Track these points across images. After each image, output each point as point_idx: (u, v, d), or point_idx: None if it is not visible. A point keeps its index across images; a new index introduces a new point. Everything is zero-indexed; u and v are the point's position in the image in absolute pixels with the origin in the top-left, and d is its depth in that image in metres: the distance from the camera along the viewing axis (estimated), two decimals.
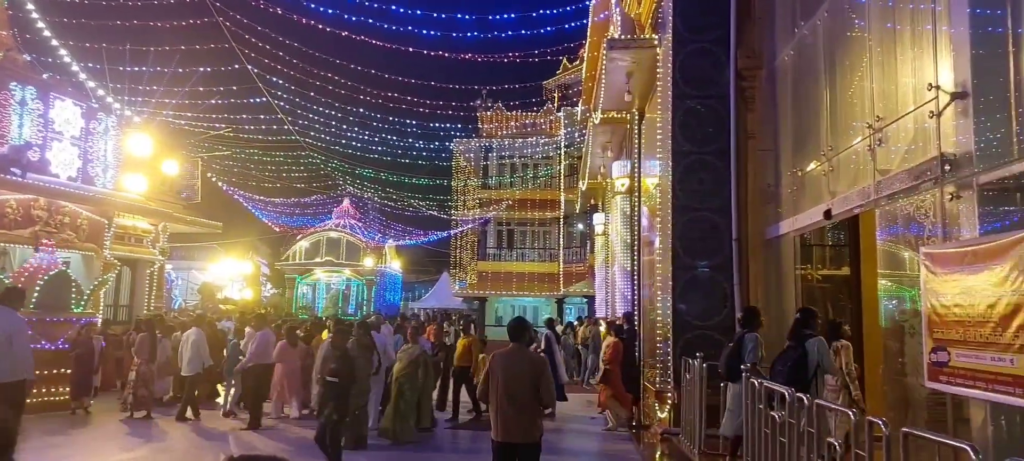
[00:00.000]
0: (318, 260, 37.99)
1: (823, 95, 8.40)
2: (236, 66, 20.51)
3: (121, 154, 15.83)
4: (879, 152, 6.64)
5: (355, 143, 28.57)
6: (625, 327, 12.84)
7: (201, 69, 21.51)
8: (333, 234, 38.18)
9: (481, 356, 12.70)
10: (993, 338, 4.25)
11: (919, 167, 5.79)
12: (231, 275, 35.82)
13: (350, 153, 30.16)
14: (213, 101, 23.41)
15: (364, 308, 34.90)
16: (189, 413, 11.28)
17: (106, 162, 14.99)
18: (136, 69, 19.69)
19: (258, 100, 22.89)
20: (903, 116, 6.24)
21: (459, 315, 25.33)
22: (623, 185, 16.71)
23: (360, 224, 39.36)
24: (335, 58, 29.16)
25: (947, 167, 5.35)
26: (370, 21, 19.62)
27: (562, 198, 33.20)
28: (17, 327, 7.20)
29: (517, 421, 5.18)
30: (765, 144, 10.28)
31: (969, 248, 4.66)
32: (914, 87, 6.10)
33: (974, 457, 2.99)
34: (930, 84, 5.58)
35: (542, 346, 13.37)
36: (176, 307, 29.36)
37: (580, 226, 33.37)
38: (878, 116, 6.69)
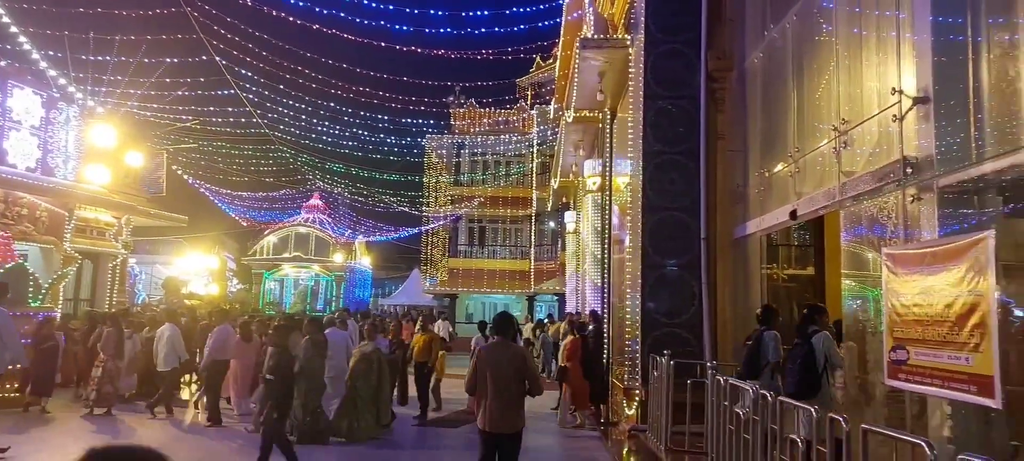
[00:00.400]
0: (286, 255, 37.52)
1: (791, 97, 8.54)
2: (204, 57, 20.13)
3: (83, 145, 15.44)
4: (844, 154, 6.77)
5: (325, 137, 28.27)
6: (590, 326, 12.94)
7: (168, 60, 21.07)
8: (302, 229, 37.73)
9: (441, 353, 12.71)
10: (950, 337, 4.36)
11: (882, 169, 5.91)
12: (197, 270, 35.15)
13: (320, 147, 29.81)
14: (180, 92, 22.95)
15: (333, 304, 34.55)
16: (162, 409, 11.10)
17: (67, 153, 14.61)
18: (100, 58, 19.20)
19: (226, 92, 22.50)
20: (868, 119, 6.37)
21: (420, 312, 25.26)
22: (594, 184, 16.79)
23: (330, 219, 38.95)
24: (305, 51, 28.90)
25: (909, 170, 5.47)
26: (341, 14, 19.45)
27: (534, 196, 33.25)
28: (3, 320, 7.38)
29: (504, 412, 5.49)
30: (734, 145, 10.41)
31: (928, 249, 4.78)
32: (878, 91, 6.24)
33: (930, 453, 3.06)
34: (894, 89, 5.70)
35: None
36: (140, 302, 28.76)
37: (551, 224, 33.47)
38: (844, 119, 6.82)
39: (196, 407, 11.69)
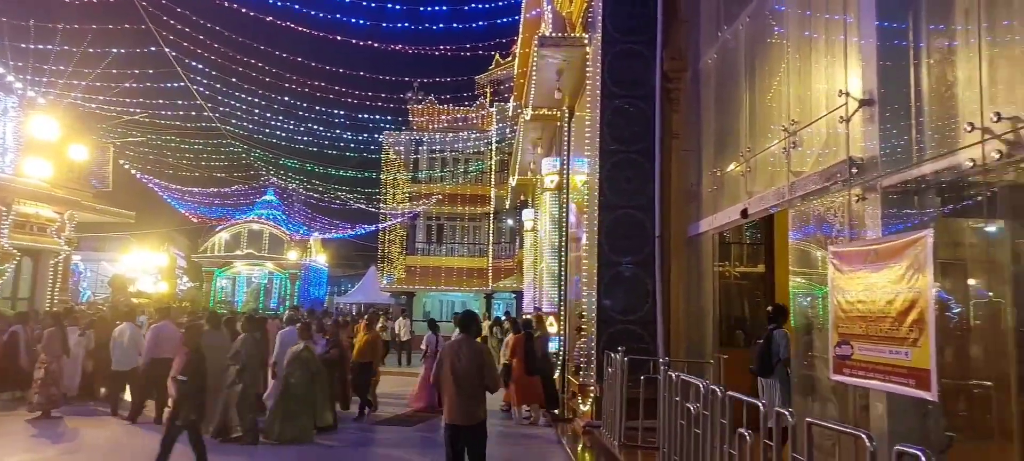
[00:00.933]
0: (239, 252, 36.70)
1: (743, 98, 8.70)
2: (153, 48, 19.48)
3: (22, 137, 14.83)
4: (793, 154, 6.93)
5: (279, 132, 27.69)
6: (534, 325, 13.03)
7: (114, 50, 20.35)
8: (255, 226, 36.95)
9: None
10: (891, 332, 4.50)
11: (829, 169, 6.07)
12: (145, 267, 34.14)
13: (274, 142, 29.21)
14: (127, 84, 22.20)
15: (287, 302, 33.95)
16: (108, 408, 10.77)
17: (4, 145, 14.01)
18: (41, 47, 18.43)
19: (176, 85, 21.85)
20: (816, 120, 6.53)
21: (380, 310, 24.99)
22: (552, 182, 16.85)
23: (284, 216, 38.24)
24: (259, 44, 28.18)
25: (854, 170, 5.63)
26: (296, 7, 19.00)
27: (493, 194, 33.24)
28: None
29: (465, 405, 5.85)
30: (689, 144, 10.57)
31: (872, 247, 4.92)
32: (827, 93, 6.39)
33: (869, 445, 3.15)
34: (841, 91, 5.86)
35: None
36: (84, 300, 27.79)
37: (510, 222, 33.50)
38: (793, 120, 6.97)
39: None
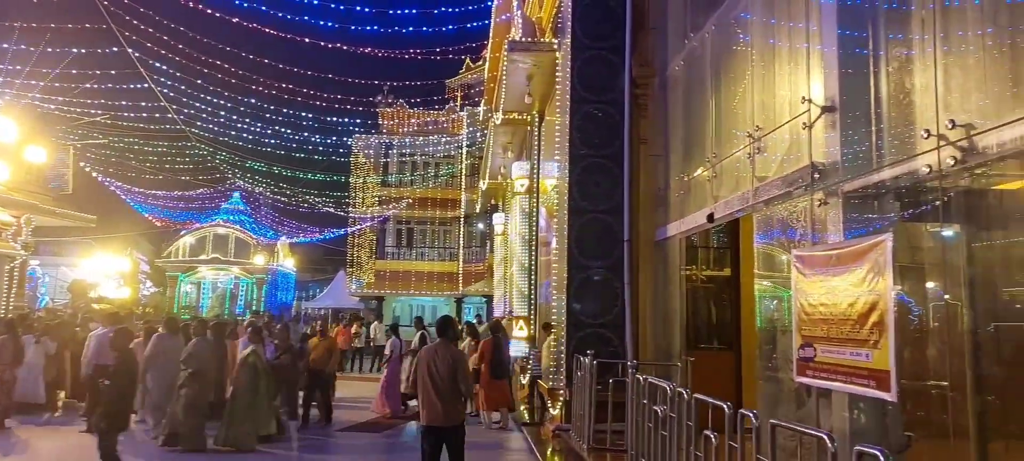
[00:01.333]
0: (204, 257, 36.08)
1: (709, 104, 8.83)
2: (115, 49, 19.07)
3: None
4: (758, 160, 7.05)
5: (246, 135, 27.26)
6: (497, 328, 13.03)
7: (75, 50, 19.86)
8: (221, 230, 36.37)
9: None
10: (852, 334, 4.59)
11: (793, 175, 6.18)
12: (106, 272, 33.33)
13: (240, 145, 28.75)
14: (89, 85, 21.68)
15: (254, 308, 33.44)
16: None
17: None
18: None
19: (140, 86, 21.41)
20: (780, 127, 6.65)
21: (353, 315, 24.75)
22: (523, 186, 16.88)
23: (251, 220, 37.67)
24: (225, 45, 27.77)
25: (817, 175, 5.74)
26: (263, 8, 18.76)
27: (463, 197, 33.17)
28: None
29: (441, 407, 6.03)
30: (656, 149, 10.68)
31: (834, 251, 5.02)
32: (790, 100, 6.51)
33: (830, 445, 3.21)
34: (804, 98, 5.97)
35: (416, 345, 13.42)
36: (42, 306, 27.03)
37: (480, 226, 33.46)
38: (758, 126, 7.09)
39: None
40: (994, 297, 5.74)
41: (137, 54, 18.81)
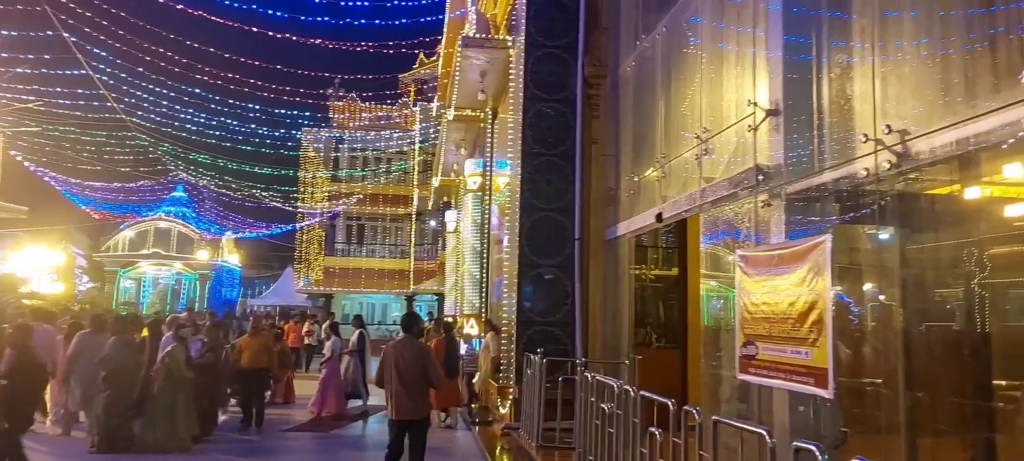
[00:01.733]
0: (144, 252, 34.90)
1: (659, 105, 8.94)
2: (50, 33, 18.24)
3: None
4: (705, 161, 7.17)
5: (190, 126, 26.47)
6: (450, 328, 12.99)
7: (5, 32, 18.91)
8: (162, 224, 35.24)
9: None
10: (792, 333, 4.71)
11: (738, 176, 6.31)
12: (39, 266, 31.91)
13: (184, 136, 27.88)
14: (20, 70, 20.68)
15: (196, 305, 32.50)
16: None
17: None
18: None
19: (76, 72, 20.54)
20: (726, 129, 6.78)
21: (305, 312, 24.28)
22: (475, 183, 16.85)
23: (194, 214, 36.58)
24: (168, 32, 26.84)
25: (761, 177, 5.87)
26: None
27: (415, 194, 32.90)
28: None
29: (408, 401, 6.30)
30: (608, 149, 10.78)
31: (776, 251, 5.14)
32: (737, 103, 6.64)
33: (769, 441, 3.28)
34: (750, 101, 6.10)
35: (355, 344, 13.25)
36: None
37: (433, 223, 33.25)
38: (705, 128, 7.22)
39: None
40: (925, 298, 5.98)
41: (74, 39, 18.04)
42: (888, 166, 4.52)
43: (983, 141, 3.93)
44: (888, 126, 4.53)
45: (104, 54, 20.51)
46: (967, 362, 6.25)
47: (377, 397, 13.46)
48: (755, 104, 6.02)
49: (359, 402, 13.15)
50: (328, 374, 12.38)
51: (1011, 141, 3.80)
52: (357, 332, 13.69)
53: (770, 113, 5.85)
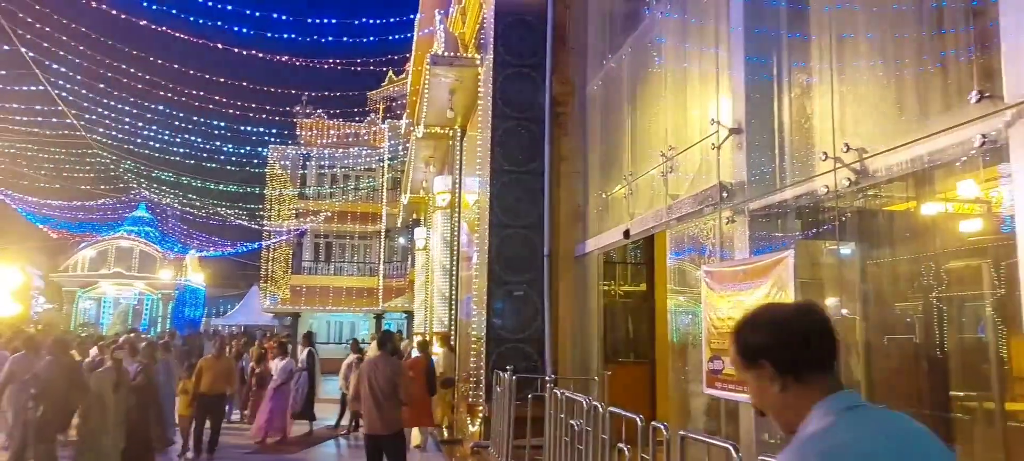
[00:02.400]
0: (105, 271, 34.01)
1: (626, 124, 9.06)
2: (6, 48, 17.81)
3: None
4: (671, 179, 7.28)
5: (153, 143, 25.98)
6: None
7: None
8: (124, 243, 34.42)
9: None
10: None
11: (703, 193, 6.41)
12: None
13: (147, 154, 27.35)
14: None
15: (159, 325, 31.76)
16: None
17: None
18: None
19: (34, 88, 20.06)
20: (691, 147, 6.90)
21: (265, 333, 23.86)
22: (444, 200, 16.80)
23: (157, 232, 35.82)
24: (130, 48, 26.35)
25: (725, 194, 5.98)
26: (172, 11, 17.99)
27: (384, 211, 32.68)
28: None
29: (381, 416, 6.53)
30: (576, 166, 10.87)
31: (740, 267, 5.23)
32: (701, 121, 6.77)
33: (735, 455, 3.32)
34: (713, 119, 6.22)
35: (303, 363, 13.06)
36: None
37: (401, 240, 33.05)
38: (671, 146, 7.33)
39: None
40: (885, 311, 6.12)
41: (32, 54, 17.64)
42: (847, 183, 4.65)
43: (936, 159, 4.06)
44: (846, 144, 4.65)
45: (64, 70, 20.09)
46: (926, 374, 6.41)
47: (326, 416, 13.26)
48: (718, 123, 6.13)
49: (306, 423, 12.87)
50: (277, 397, 11.88)
51: (963, 159, 3.94)
52: (306, 350, 13.47)
53: (733, 131, 5.97)
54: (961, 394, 6.22)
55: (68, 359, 8.60)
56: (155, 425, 10.00)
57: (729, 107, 6.12)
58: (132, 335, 15.28)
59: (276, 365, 12.49)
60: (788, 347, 1.56)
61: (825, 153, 4.88)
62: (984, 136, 3.56)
